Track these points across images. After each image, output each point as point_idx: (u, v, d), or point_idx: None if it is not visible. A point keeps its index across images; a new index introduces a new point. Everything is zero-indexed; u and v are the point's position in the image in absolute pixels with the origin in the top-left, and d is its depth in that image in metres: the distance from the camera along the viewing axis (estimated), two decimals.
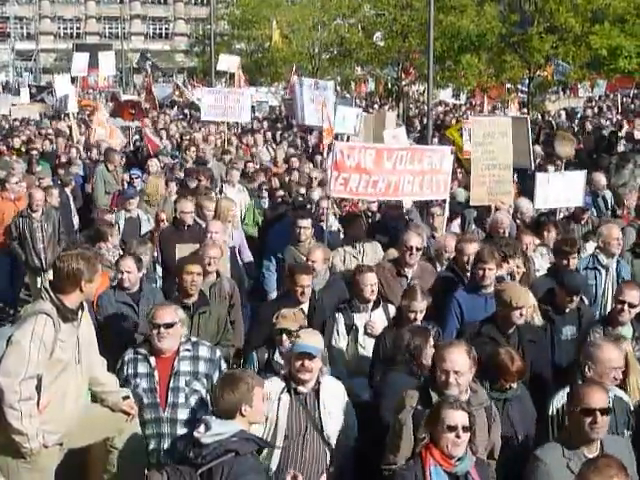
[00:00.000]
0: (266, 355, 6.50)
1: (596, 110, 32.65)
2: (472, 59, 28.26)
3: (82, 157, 18.57)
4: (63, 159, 17.60)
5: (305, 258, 8.77)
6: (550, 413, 5.71)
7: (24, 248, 11.73)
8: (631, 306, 7.06)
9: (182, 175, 14.85)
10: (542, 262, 9.17)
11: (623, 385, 6.00)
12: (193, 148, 17.89)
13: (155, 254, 9.67)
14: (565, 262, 8.52)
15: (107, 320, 7.68)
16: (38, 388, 5.35)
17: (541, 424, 5.82)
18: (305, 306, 7.62)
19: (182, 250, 8.84)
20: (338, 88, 36.51)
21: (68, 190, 14.55)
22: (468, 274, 8.30)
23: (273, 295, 9.57)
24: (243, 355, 7.60)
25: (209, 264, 8.32)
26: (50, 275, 5.78)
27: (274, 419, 5.67)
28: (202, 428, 4.80)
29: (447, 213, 10.87)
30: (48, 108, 34.74)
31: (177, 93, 37.07)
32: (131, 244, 9.24)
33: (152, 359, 6.13)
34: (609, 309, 7.96)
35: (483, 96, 30.05)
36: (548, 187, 11.34)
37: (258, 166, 16.29)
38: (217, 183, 14.10)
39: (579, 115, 30.79)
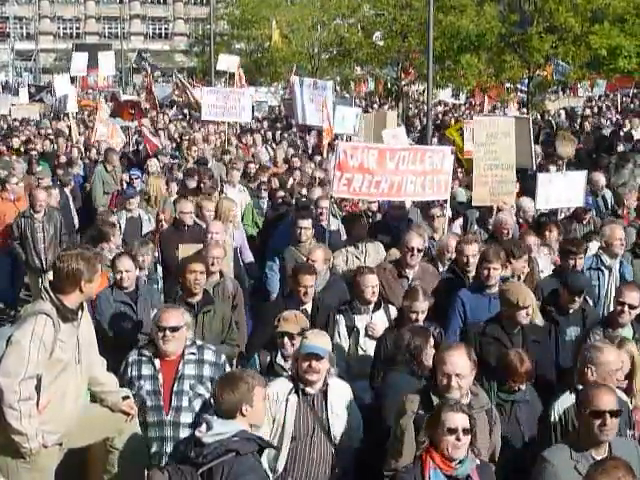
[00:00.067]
0: (268, 358, 6.47)
1: (596, 110, 32.64)
2: (472, 59, 28.25)
3: (82, 157, 18.57)
4: (63, 159, 17.59)
5: (305, 258, 8.77)
6: (553, 419, 5.67)
7: (25, 248, 11.72)
8: (631, 307, 7.05)
9: (181, 175, 14.85)
10: (544, 262, 9.17)
11: (629, 388, 6.00)
12: (194, 148, 17.90)
13: (156, 254, 9.66)
14: (572, 262, 8.53)
15: (105, 320, 7.68)
16: (38, 388, 5.34)
17: (543, 425, 5.80)
18: (308, 306, 7.63)
19: (185, 250, 8.84)
20: (338, 88, 36.52)
21: (67, 190, 14.54)
22: (469, 274, 8.32)
23: (275, 295, 9.57)
24: (246, 356, 7.60)
25: (212, 264, 8.33)
26: (50, 275, 5.77)
27: (281, 420, 5.67)
28: (203, 427, 4.80)
29: (448, 213, 10.87)
30: (47, 108, 34.75)
31: (177, 93, 37.04)
32: (132, 245, 9.25)
33: (157, 361, 6.11)
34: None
35: (483, 96, 30.02)
36: (550, 187, 11.35)
37: (258, 166, 16.28)
38: (217, 183, 14.08)
39: (579, 115, 30.80)
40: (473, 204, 11.62)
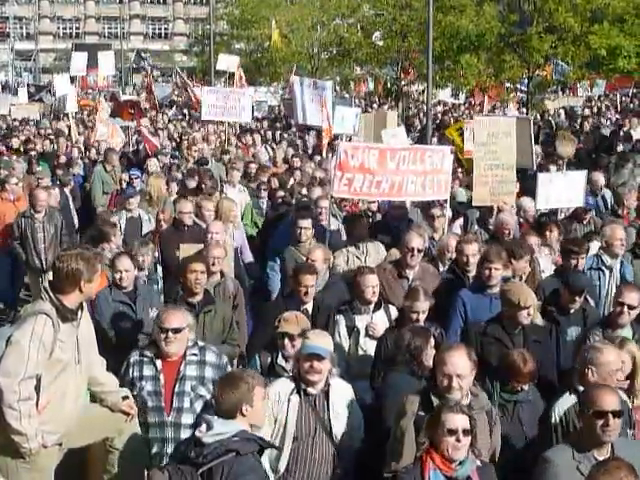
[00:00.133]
0: (269, 359, 6.46)
1: (595, 110, 32.65)
2: (471, 59, 28.23)
3: (82, 157, 18.58)
4: (63, 159, 17.60)
5: (305, 258, 8.77)
6: (553, 420, 5.65)
7: (25, 248, 11.70)
8: (631, 308, 7.03)
9: (180, 175, 14.85)
10: (545, 262, 9.17)
11: (631, 388, 5.99)
12: (195, 147, 17.91)
13: (156, 254, 9.66)
14: (574, 262, 8.53)
15: (105, 319, 7.68)
16: (37, 388, 5.34)
17: (543, 426, 5.78)
18: (309, 306, 7.63)
19: (186, 250, 8.84)
20: (337, 88, 36.50)
21: (67, 190, 14.54)
22: (468, 274, 8.32)
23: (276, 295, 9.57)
24: (247, 355, 7.60)
25: (213, 264, 8.33)
26: (50, 275, 5.78)
27: (283, 420, 5.67)
28: (204, 427, 4.79)
29: (448, 213, 10.87)
30: (47, 108, 34.74)
31: (176, 93, 37.06)
32: (132, 245, 9.24)
33: (158, 362, 6.11)
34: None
35: (483, 96, 30.00)
36: (550, 187, 11.35)
37: (258, 166, 16.27)
38: (217, 184, 14.08)
39: (578, 114, 30.81)
40: (473, 204, 11.61)
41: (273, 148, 19.84)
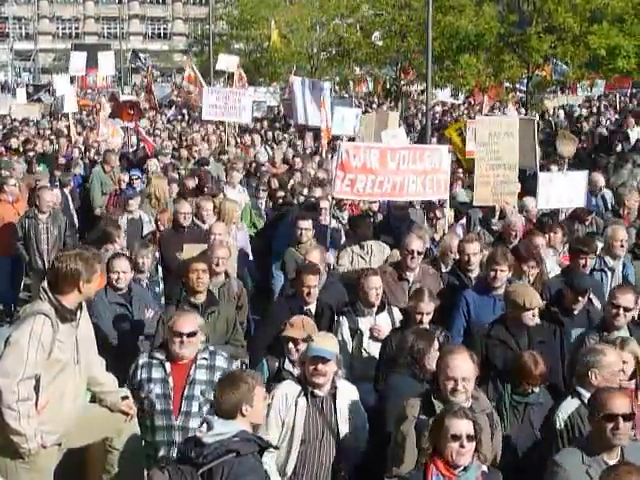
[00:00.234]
0: (276, 364, 6.47)
1: (594, 110, 32.65)
2: (471, 59, 28.18)
3: (82, 157, 18.58)
4: (62, 160, 17.59)
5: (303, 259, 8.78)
6: (558, 425, 5.62)
7: (28, 249, 11.66)
8: (626, 310, 7.01)
9: (176, 176, 14.84)
10: (550, 263, 9.15)
11: (636, 389, 5.98)
12: (195, 148, 17.90)
13: (157, 255, 9.65)
14: (583, 262, 8.52)
15: (102, 321, 7.66)
16: (36, 388, 5.34)
17: (547, 430, 5.75)
18: (312, 307, 7.63)
19: (189, 251, 8.84)
20: (337, 88, 36.47)
21: (67, 191, 14.53)
22: (470, 275, 8.32)
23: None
24: (249, 355, 7.60)
25: (217, 264, 8.35)
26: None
27: (291, 423, 5.67)
28: (204, 427, 4.79)
29: (449, 213, 10.87)
30: (46, 108, 34.75)
31: (176, 92, 37.07)
32: (132, 247, 9.23)
33: (167, 365, 6.10)
34: None
35: (482, 96, 29.99)
36: (551, 187, 11.34)
37: (261, 166, 16.26)
38: (218, 185, 14.06)
39: (577, 114, 30.81)
40: (474, 204, 11.61)
41: (272, 148, 19.83)
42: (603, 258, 8.91)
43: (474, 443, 4.77)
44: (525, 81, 29.11)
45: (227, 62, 30.64)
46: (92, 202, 14.74)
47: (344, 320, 7.44)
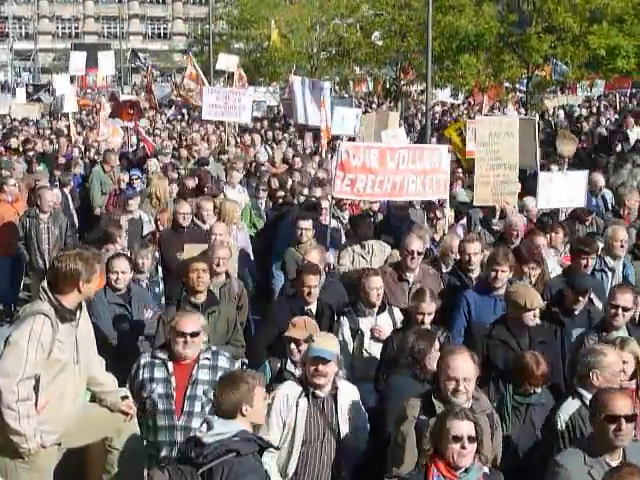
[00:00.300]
0: (279, 365, 6.47)
1: (594, 110, 32.67)
2: (470, 59, 28.17)
3: (82, 157, 18.58)
4: (62, 160, 17.59)
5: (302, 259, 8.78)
6: (560, 426, 5.60)
7: (29, 248, 11.66)
8: (625, 310, 7.01)
9: (175, 175, 14.83)
10: (552, 263, 9.14)
11: (636, 389, 5.97)
12: (195, 147, 17.89)
13: (157, 255, 9.65)
14: (584, 262, 8.52)
15: (102, 321, 7.65)
16: (36, 388, 5.34)
17: (548, 430, 5.74)
18: (313, 307, 7.63)
19: (190, 251, 8.84)
20: (337, 88, 36.44)
21: (67, 190, 14.53)
22: (471, 275, 8.32)
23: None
24: (249, 355, 7.60)
25: (218, 265, 8.35)
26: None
27: (292, 424, 5.67)
28: (204, 427, 4.79)
29: (449, 213, 10.87)
30: (46, 107, 34.76)
31: (175, 92, 37.04)
32: (132, 247, 9.22)
33: (170, 364, 6.09)
34: None
35: (482, 96, 29.99)
36: (551, 186, 11.34)
37: (262, 166, 16.25)
38: (219, 185, 14.05)
39: (577, 114, 30.81)
40: (475, 204, 11.61)
41: (272, 148, 19.82)
42: (603, 258, 8.90)
43: (475, 444, 4.74)
44: (525, 81, 29.11)
45: (227, 62, 30.62)
46: (92, 202, 14.74)
47: (345, 320, 7.43)
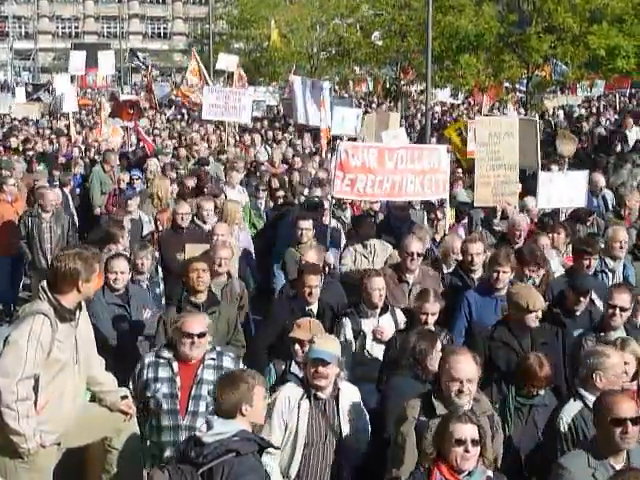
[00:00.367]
0: (283, 367, 6.45)
1: (594, 110, 32.68)
2: (470, 59, 28.18)
3: (82, 157, 18.58)
4: (62, 160, 17.58)
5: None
6: (562, 428, 5.58)
7: (31, 248, 11.63)
8: (623, 310, 7.01)
9: (174, 175, 14.82)
10: (555, 264, 9.13)
11: (638, 390, 5.96)
12: (195, 147, 17.89)
13: (156, 255, 9.64)
14: (587, 263, 8.52)
15: (101, 321, 7.61)
16: (35, 388, 5.33)
17: (550, 432, 5.72)
18: (314, 307, 7.63)
19: (191, 251, 8.83)
20: (337, 88, 36.43)
21: (67, 190, 14.52)
22: (473, 275, 8.31)
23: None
24: (250, 354, 7.59)
25: (219, 265, 8.34)
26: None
27: (294, 427, 5.66)
28: (204, 427, 4.79)
29: (450, 214, 10.86)
30: (46, 107, 34.75)
31: (175, 92, 37.03)
32: (132, 248, 9.21)
33: (175, 364, 6.08)
34: None
35: (482, 96, 30.00)
36: (551, 186, 11.33)
37: (262, 166, 16.24)
38: (219, 185, 14.04)
39: (576, 115, 30.82)
40: (475, 204, 11.60)
41: (272, 148, 19.81)
42: (604, 259, 8.90)
43: (479, 448, 4.71)
44: (525, 81, 29.12)
45: (227, 62, 30.62)
46: (92, 202, 14.73)
47: (347, 321, 7.41)
